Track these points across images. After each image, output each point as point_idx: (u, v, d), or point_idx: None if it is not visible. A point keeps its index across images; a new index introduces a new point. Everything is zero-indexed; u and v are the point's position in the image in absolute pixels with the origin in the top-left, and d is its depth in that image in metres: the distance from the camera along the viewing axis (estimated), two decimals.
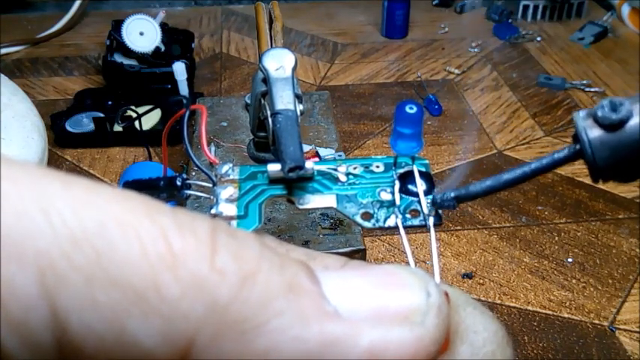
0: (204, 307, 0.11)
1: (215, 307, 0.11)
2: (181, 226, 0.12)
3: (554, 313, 0.47)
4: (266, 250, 0.13)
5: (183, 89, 0.70)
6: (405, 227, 0.19)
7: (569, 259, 0.51)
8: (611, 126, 0.15)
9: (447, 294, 0.15)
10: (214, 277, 0.12)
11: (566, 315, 0.47)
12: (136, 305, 0.11)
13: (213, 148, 0.60)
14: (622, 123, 0.15)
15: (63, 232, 0.11)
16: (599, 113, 0.15)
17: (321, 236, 0.48)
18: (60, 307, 0.11)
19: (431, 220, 0.19)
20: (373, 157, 0.21)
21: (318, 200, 0.20)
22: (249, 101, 0.34)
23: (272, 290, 0.12)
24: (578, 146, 0.16)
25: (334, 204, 0.20)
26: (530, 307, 0.47)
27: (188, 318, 0.11)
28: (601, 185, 0.60)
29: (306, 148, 0.57)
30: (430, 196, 0.19)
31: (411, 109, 0.19)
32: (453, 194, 0.18)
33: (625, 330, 0.45)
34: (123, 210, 0.12)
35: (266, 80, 0.26)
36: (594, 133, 0.16)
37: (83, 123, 0.66)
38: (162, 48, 0.72)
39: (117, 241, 0.11)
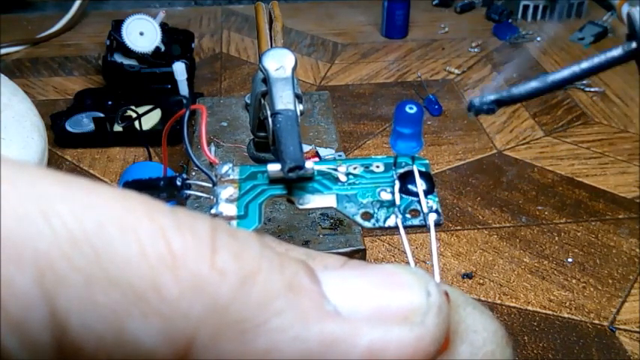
0: (204, 307, 0.11)
1: (215, 306, 0.11)
2: (181, 226, 0.12)
3: (554, 313, 0.47)
4: (266, 250, 0.13)
5: (183, 89, 0.70)
6: (405, 227, 0.19)
7: (569, 259, 0.51)
8: None
9: (446, 294, 0.15)
10: (214, 277, 0.12)
11: (566, 315, 0.47)
12: (135, 305, 0.11)
13: (213, 148, 0.60)
14: None
15: (62, 232, 0.11)
16: None
17: (321, 236, 0.48)
18: (59, 307, 0.11)
19: (431, 221, 0.19)
20: (373, 157, 0.21)
21: (318, 200, 0.20)
22: (249, 101, 0.34)
23: (272, 290, 0.12)
24: (634, 44, 0.14)
25: (334, 204, 0.20)
26: (530, 307, 0.47)
27: (188, 318, 0.11)
28: (601, 185, 0.60)
29: (306, 148, 0.57)
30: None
31: (411, 109, 0.19)
32: (493, 97, 0.16)
33: (625, 330, 0.45)
34: (122, 210, 0.12)
35: (266, 80, 0.26)
36: None
37: (83, 123, 0.66)
38: (162, 48, 0.72)
39: (116, 242, 0.11)
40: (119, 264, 0.11)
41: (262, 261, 0.12)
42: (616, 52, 0.15)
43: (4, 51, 0.86)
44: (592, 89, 0.77)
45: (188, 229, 0.12)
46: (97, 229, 0.11)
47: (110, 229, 0.11)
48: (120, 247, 0.11)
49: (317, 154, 0.56)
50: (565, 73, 0.15)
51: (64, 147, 0.65)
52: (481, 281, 0.50)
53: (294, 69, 0.26)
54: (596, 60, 0.15)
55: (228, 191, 0.20)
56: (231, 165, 0.21)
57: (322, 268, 0.14)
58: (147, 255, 0.11)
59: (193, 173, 0.53)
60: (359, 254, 0.48)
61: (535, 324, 0.46)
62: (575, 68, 0.15)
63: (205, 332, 0.11)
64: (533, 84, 0.16)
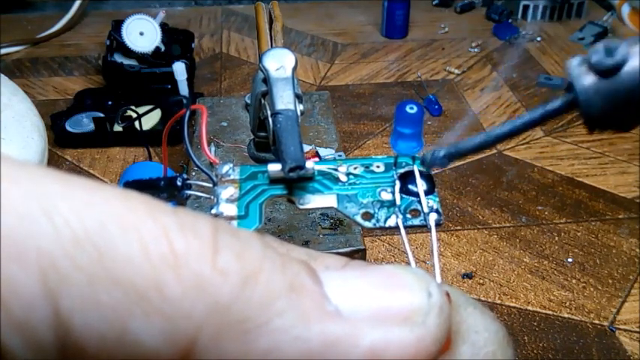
0: (206, 307, 0.11)
1: (217, 306, 0.11)
2: (183, 226, 0.12)
3: (554, 313, 0.47)
4: (268, 250, 0.13)
5: (183, 89, 0.70)
6: (405, 227, 0.19)
7: (569, 259, 0.51)
8: (606, 72, 0.14)
9: (448, 294, 0.15)
10: (216, 277, 0.12)
11: (566, 315, 0.47)
12: (138, 305, 0.11)
13: (213, 148, 0.60)
14: (617, 68, 0.14)
15: (65, 232, 0.11)
16: (594, 58, 0.14)
17: (321, 236, 0.48)
18: (62, 306, 0.11)
19: (432, 220, 0.19)
20: (373, 157, 0.21)
21: (318, 200, 0.20)
22: (249, 101, 0.34)
23: (274, 290, 0.12)
24: (572, 95, 0.15)
25: (335, 204, 0.20)
26: (530, 307, 0.47)
27: (190, 318, 0.11)
28: (601, 185, 0.60)
29: (306, 148, 0.57)
30: (418, 159, 0.18)
31: (411, 109, 0.19)
32: (443, 152, 0.18)
33: (625, 330, 0.45)
34: (125, 210, 0.12)
35: (266, 80, 0.26)
36: (588, 80, 0.15)
37: (83, 123, 0.66)
38: (163, 48, 0.72)
39: (119, 241, 0.11)
40: (122, 263, 0.11)
41: (264, 261, 0.12)
42: (555, 103, 0.16)
43: (4, 51, 0.86)
44: None
45: (190, 229, 0.12)
46: (99, 228, 0.11)
47: (112, 228, 0.11)
48: (122, 247, 0.11)
49: (317, 154, 0.56)
50: (506, 128, 0.16)
51: (64, 147, 0.65)
52: (481, 281, 0.50)
53: (295, 69, 0.26)
54: (537, 112, 0.16)
55: (228, 191, 0.20)
56: (231, 165, 0.21)
57: (324, 268, 0.14)
58: (149, 255, 0.11)
59: (193, 173, 0.53)
60: (359, 254, 0.48)
61: (535, 324, 0.46)
62: (517, 122, 0.16)
63: (207, 332, 0.11)
64: (478, 139, 0.17)
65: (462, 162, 0.64)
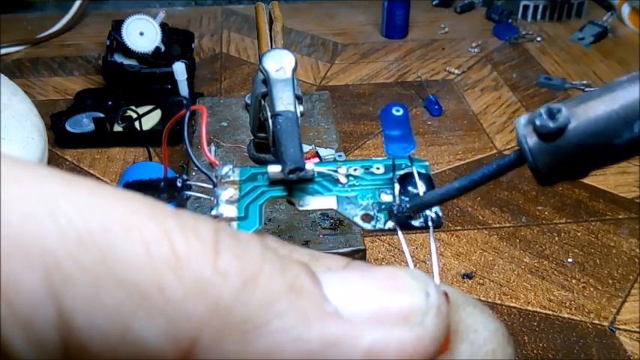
0: (207, 308, 0.12)
1: (218, 308, 0.12)
2: (185, 228, 0.12)
3: (554, 313, 0.47)
4: (268, 252, 0.13)
5: (183, 89, 0.70)
6: (404, 229, 0.19)
7: (569, 259, 0.51)
8: (550, 135, 0.15)
9: (446, 294, 0.15)
10: (217, 279, 0.12)
11: (566, 315, 0.47)
12: (140, 305, 0.11)
13: (213, 149, 0.60)
14: (560, 131, 0.15)
15: (69, 232, 0.11)
16: (537, 122, 0.15)
17: (321, 236, 0.48)
18: (66, 306, 0.11)
19: (431, 222, 0.19)
20: (373, 158, 0.21)
21: (318, 202, 0.20)
22: (249, 101, 0.34)
23: (273, 291, 0.12)
24: (519, 151, 0.16)
25: (334, 205, 0.20)
26: (530, 307, 0.47)
27: (191, 318, 0.11)
28: (601, 185, 0.60)
29: (306, 148, 0.57)
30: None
31: (397, 112, 0.19)
32: (409, 205, 0.18)
33: (625, 330, 0.45)
34: (128, 211, 0.12)
35: (266, 81, 0.26)
36: (534, 140, 0.15)
37: (83, 123, 0.66)
38: (163, 48, 0.72)
39: (122, 242, 0.11)
40: (124, 264, 0.11)
41: (264, 263, 0.12)
42: (507, 159, 0.16)
43: (4, 51, 0.86)
44: (592, 89, 0.77)
45: (191, 231, 0.12)
46: (102, 229, 0.11)
47: (116, 229, 0.11)
48: (125, 248, 0.11)
49: (317, 155, 0.56)
50: (466, 180, 0.17)
51: (64, 147, 0.65)
52: (481, 281, 0.50)
53: (295, 70, 0.26)
54: (491, 168, 0.17)
55: (228, 192, 0.20)
56: (231, 166, 0.21)
57: (325, 269, 0.14)
58: (151, 256, 0.11)
59: (193, 173, 0.53)
60: (359, 254, 0.48)
61: (535, 324, 0.46)
62: (474, 176, 0.17)
63: (208, 333, 0.11)
64: (441, 191, 0.18)
65: (462, 162, 0.64)
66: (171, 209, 0.13)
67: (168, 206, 0.13)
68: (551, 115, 0.15)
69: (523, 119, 0.16)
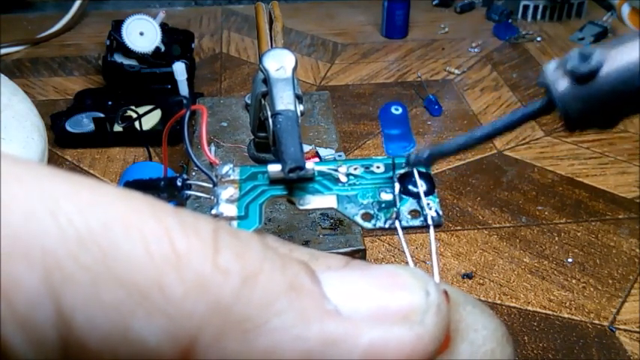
0: (208, 307, 0.11)
1: (218, 306, 0.12)
2: (185, 226, 0.12)
3: (554, 313, 0.47)
4: (268, 251, 0.13)
5: (184, 89, 0.70)
6: (405, 228, 0.19)
7: (569, 259, 0.51)
8: (582, 78, 0.14)
9: (446, 293, 0.15)
10: (217, 277, 0.12)
11: (566, 315, 0.47)
12: (140, 304, 0.11)
13: (213, 149, 0.60)
14: (592, 74, 0.14)
15: (69, 231, 0.11)
16: (569, 65, 0.14)
17: (321, 236, 0.48)
18: (65, 305, 0.11)
19: (431, 221, 0.19)
20: (374, 157, 0.21)
21: (318, 201, 0.20)
22: (249, 101, 0.34)
23: (273, 290, 0.12)
24: (549, 98, 0.15)
25: (335, 204, 0.20)
26: (530, 307, 0.47)
27: (191, 317, 0.11)
28: (601, 185, 0.60)
29: (307, 148, 0.57)
30: (406, 158, 0.19)
31: (396, 110, 0.19)
32: (427, 153, 0.18)
33: (625, 330, 0.45)
34: (128, 210, 0.12)
35: (266, 81, 0.26)
36: (564, 85, 0.15)
37: (83, 123, 0.66)
38: (163, 48, 0.72)
39: (122, 241, 0.11)
40: (124, 263, 0.11)
41: (264, 261, 0.12)
42: (534, 106, 0.16)
43: (4, 51, 0.86)
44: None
45: (192, 230, 0.12)
46: (103, 228, 0.11)
47: (116, 228, 0.11)
48: (125, 247, 0.11)
49: (317, 155, 0.56)
50: (488, 128, 0.17)
51: (64, 147, 0.65)
52: (481, 281, 0.50)
53: (295, 69, 0.26)
54: (517, 114, 0.16)
55: (228, 192, 0.20)
56: (231, 165, 0.21)
57: (325, 268, 0.14)
58: (152, 255, 0.11)
59: (193, 173, 0.53)
60: (359, 254, 0.48)
61: (535, 324, 0.46)
62: (497, 123, 0.17)
63: (208, 331, 0.11)
64: (462, 139, 0.17)
65: (462, 162, 0.64)
66: (172, 208, 0.13)
67: (169, 205, 0.13)
68: (584, 57, 0.14)
69: (552, 64, 0.15)
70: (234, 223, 0.19)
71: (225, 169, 0.21)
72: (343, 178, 0.20)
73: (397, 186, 0.20)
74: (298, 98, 0.26)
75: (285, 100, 0.25)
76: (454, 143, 0.18)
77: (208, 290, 0.12)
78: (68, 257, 0.11)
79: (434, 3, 1.03)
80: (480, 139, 0.17)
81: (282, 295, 0.12)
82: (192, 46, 0.77)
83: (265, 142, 0.34)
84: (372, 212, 0.19)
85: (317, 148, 0.58)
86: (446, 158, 0.18)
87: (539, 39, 0.91)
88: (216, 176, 0.20)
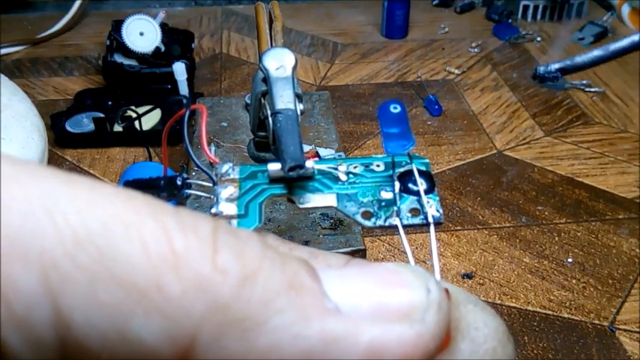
0: (207, 306, 0.11)
1: (217, 305, 0.12)
2: (184, 226, 0.12)
3: (554, 313, 0.47)
4: (267, 250, 0.13)
5: (184, 89, 0.70)
6: (405, 226, 0.19)
7: (569, 259, 0.51)
8: None
9: (447, 291, 0.15)
10: (216, 276, 0.12)
11: (566, 315, 0.47)
12: (139, 304, 0.11)
13: (213, 148, 0.60)
14: None
15: (67, 231, 0.11)
16: None
17: (321, 236, 0.48)
18: (63, 305, 0.11)
19: (431, 219, 0.19)
20: (373, 156, 0.21)
21: (318, 199, 0.20)
22: (249, 101, 0.34)
23: (273, 289, 0.12)
24: None
25: (334, 203, 0.20)
26: (530, 307, 0.47)
27: (190, 317, 0.11)
28: (601, 185, 0.60)
29: (306, 148, 0.57)
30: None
31: (395, 109, 0.19)
32: (557, 66, 0.17)
33: (625, 330, 0.45)
34: (126, 209, 0.12)
35: (266, 80, 0.26)
36: None
37: (83, 123, 0.66)
38: (163, 48, 0.72)
39: (120, 241, 0.11)
40: (123, 263, 0.11)
41: (263, 260, 0.12)
42: None
43: (4, 51, 0.86)
44: (592, 89, 0.77)
45: (190, 229, 0.12)
46: (100, 228, 0.11)
47: (114, 228, 0.11)
48: (123, 246, 0.11)
49: (317, 155, 0.56)
50: (625, 42, 0.16)
51: (64, 147, 0.65)
52: (481, 281, 0.50)
53: (295, 68, 0.26)
54: None
55: (228, 190, 0.20)
56: (231, 164, 0.21)
57: (325, 266, 0.14)
58: (150, 254, 0.11)
59: (193, 173, 0.53)
60: (359, 254, 0.48)
61: (535, 324, 0.46)
62: (635, 37, 0.16)
63: (207, 331, 0.11)
64: (596, 52, 0.16)
65: (462, 162, 0.64)
66: (170, 207, 0.13)
67: (167, 204, 0.13)
68: None
69: None
70: (234, 221, 0.19)
71: (225, 168, 0.21)
72: (343, 177, 0.20)
73: (397, 184, 0.20)
74: (298, 97, 0.26)
75: (285, 99, 0.25)
76: (588, 57, 0.17)
77: (207, 289, 0.12)
78: (65, 257, 0.11)
79: (434, 3, 1.03)
80: (614, 53, 0.16)
81: (281, 294, 0.12)
82: (192, 46, 0.77)
83: (265, 142, 0.34)
84: (372, 210, 0.19)
85: (317, 148, 0.58)
86: (577, 72, 0.17)
87: (539, 39, 0.91)
88: (216, 175, 0.20)
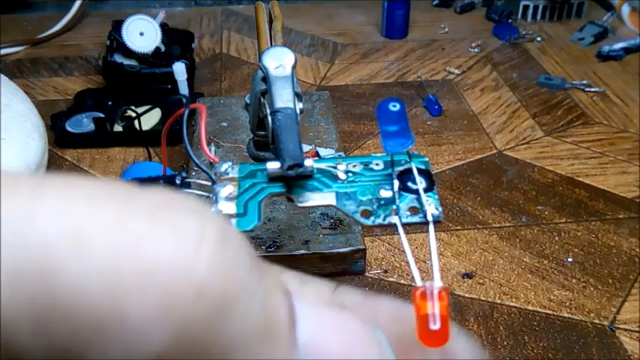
0: (174, 332, 0.10)
1: (185, 332, 0.10)
2: (158, 232, 0.10)
3: (555, 313, 0.47)
4: (253, 272, 0.12)
5: (184, 89, 0.70)
6: (404, 225, 0.19)
7: (569, 259, 0.51)
8: None
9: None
10: (190, 298, 0.10)
11: (566, 315, 0.47)
12: (96, 335, 0.10)
13: (213, 148, 0.61)
14: None
15: (9, 256, 0.09)
16: None
17: (321, 236, 0.48)
18: (12, 344, 0.09)
19: (430, 217, 0.19)
20: (373, 155, 0.21)
21: (317, 198, 0.20)
22: (248, 101, 0.34)
23: (247, 327, 0.11)
24: None
25: (334, 202, 0.20)
26: (530, 307, 0.47)
27: (154, 343, 0.10)
28: (601, 185, 0.60)
29: (306, 148, 0.57)
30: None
31: (394, 107, 0.19)
32: (621, 45, 0.17)
33: (625, 330, 0.45)
34: (88, 216, 0.10)
35: (266, 79, 0.26)
36: None
37: (83, 123, 0.66)
38: (163, 48, 0.72)
39: (70, 260, 0.09)
40: (72, 289, 0.09)
41: (247, 287, 0.11)
42: None
43: (4, 51, 0.86)
44: (592, 89, 0.77)
45: (169, 238, 0.10)
46: (43, 246, 0.09)
47: (62, 242, 0.09)
48: (74, 266, 0.09)
49: (317, 154, 0.56)
50: None
51: (64, 147, 0.65)
52: (481, 281, 0.49)
53: (294, 67, 0.26)
54: None
55: (227, 189, 0.20)
56: (230, 163, 0.21)
57: (314, 295, 0.14)
58: (107, 273, 0.10)
59: (193, 173, 0.53)
60: (359, 254, 0.48)
61: (535, 324, 0.46)
62: None
63: (171, 356, 0.10)
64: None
65: (462, 162, 0.64)
66: (145, 206, 0.11)
67: (143, 201, 0.11)
68: None
69: None
70: (233, 220, 0.19)
71: (224, 167, 0.21)
72: (342, 176, 0.20)
73: (396, 183, 0.20)
74: (297, 96, 0.26)
75: (284, 98, 0.25)
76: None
77: (177, 314, 0.10)
78: (9, 290, 0.09)
79: (434, 3, 1.03)
80: None
81: (254, 336, 0.11)
82: (193, 46, 0.77)
83: (265, 141, 0.34)
84: (371, 209, 0.19)
85: (317, 147, 0.58)
86: None
87: (539, 39, 0.91)
88: (216, 174, 0.20)
